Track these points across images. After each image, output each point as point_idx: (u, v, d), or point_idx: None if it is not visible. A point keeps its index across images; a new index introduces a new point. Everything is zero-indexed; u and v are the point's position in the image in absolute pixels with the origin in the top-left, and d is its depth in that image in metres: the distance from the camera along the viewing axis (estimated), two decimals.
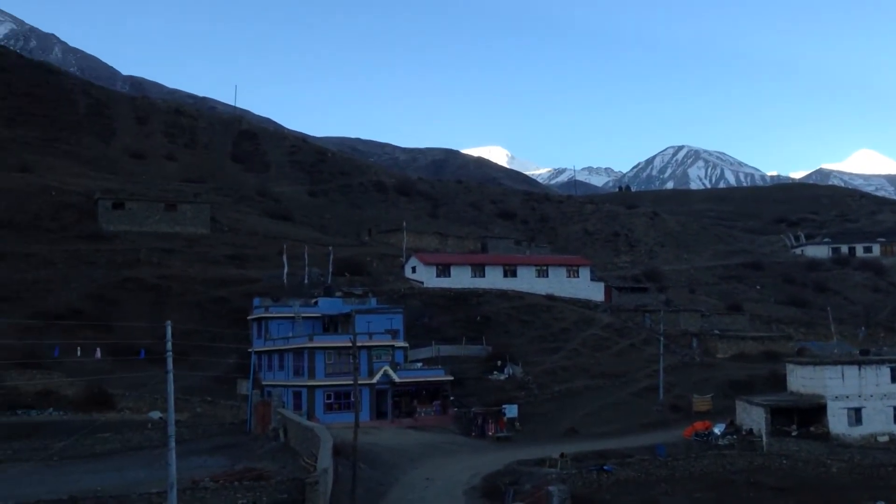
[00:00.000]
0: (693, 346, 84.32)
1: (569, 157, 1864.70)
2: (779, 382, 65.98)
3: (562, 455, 48.19)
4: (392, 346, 63.17)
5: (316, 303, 70.84)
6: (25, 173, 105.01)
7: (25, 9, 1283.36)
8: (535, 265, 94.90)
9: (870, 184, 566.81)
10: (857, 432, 57.48)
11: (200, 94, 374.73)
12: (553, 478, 42.99)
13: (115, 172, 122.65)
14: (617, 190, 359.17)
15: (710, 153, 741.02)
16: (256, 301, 71.24)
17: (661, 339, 72.74)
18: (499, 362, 71.79)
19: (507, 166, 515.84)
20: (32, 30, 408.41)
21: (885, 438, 57.62)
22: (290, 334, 65.39)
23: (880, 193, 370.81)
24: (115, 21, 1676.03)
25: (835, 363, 59.92)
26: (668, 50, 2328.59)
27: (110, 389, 59.48)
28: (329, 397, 60.12)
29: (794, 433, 56.46)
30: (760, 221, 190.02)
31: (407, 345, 67.74)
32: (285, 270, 79.24)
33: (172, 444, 30.29)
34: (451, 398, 64.40)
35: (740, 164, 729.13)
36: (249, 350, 66.52)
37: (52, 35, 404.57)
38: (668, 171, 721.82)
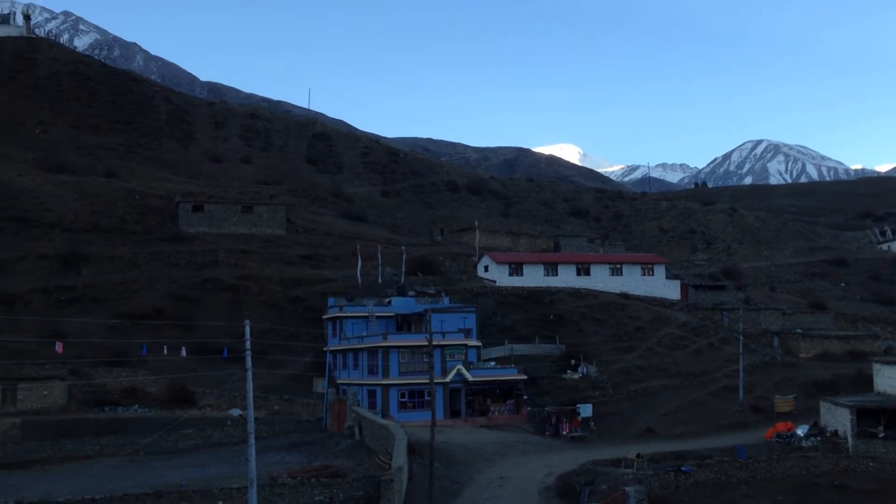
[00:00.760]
0: (774, 345, 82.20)
1: (642, 153, 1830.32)
2: (865, 383, 63.72)
3: (638, 455, 47.52)
4: (465, 345, 63.37)
5: (389, 302, 71.40)
6: (111, 178, 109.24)
7: (108, 18, 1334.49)
8: (609, 263, 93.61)
9: None
10: None
11: (275, 97, 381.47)
12: (629, 478, 42.37)
13: (194, 176, 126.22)
14: (693, 186, 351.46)
15: (790, 147, 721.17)
16: (331, 301, 72.27)
17: (741, 337, 71.06)
18: (572, 361, 71.13)
19: (579, 164, 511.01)
20: (115, 39, 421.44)
21: None
22: (365, 333, 66.01)
23: None
24: (193, 28, 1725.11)
25: None
26: (745, 42, 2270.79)
27: (192, 387, 61.06)
28: (403, 396, 60.54)
29: (881, 435, 54.29)
30: (844, 216, 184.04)
31: (480, 344, 67.80)
32: (359, 270, 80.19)
33: (252, 440, 30.95)
34: (525, 397, 64.21)
35: (823, 157, 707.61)
36: (325, 349, 67.58)
37: (135, 44, 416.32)
38: (746, 166, 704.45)
